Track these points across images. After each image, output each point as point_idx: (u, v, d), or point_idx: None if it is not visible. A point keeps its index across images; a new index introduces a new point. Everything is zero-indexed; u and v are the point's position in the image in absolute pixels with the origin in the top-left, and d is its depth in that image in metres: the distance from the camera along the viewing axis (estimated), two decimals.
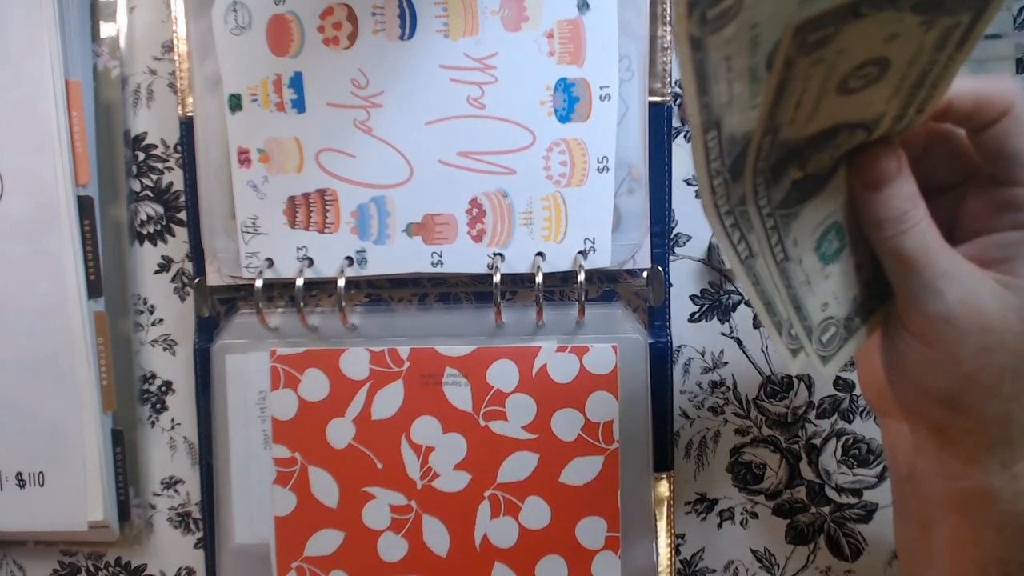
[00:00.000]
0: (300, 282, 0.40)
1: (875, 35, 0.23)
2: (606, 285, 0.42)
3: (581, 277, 0.39)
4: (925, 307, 0.26)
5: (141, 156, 0.44)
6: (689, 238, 0.43)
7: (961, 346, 0.26)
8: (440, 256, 0.40)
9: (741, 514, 0.43)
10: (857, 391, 0.43)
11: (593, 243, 0.40)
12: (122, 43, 0.43)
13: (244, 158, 0.41)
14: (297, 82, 0.40)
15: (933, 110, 0.26)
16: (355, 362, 0.41)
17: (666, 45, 0.40)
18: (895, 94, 0.26)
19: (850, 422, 0.43)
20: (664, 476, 0.42)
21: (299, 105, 0.40)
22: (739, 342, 0.43)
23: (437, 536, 0.41)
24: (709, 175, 0.25)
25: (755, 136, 0.25)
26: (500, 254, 0.40)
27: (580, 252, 0.40)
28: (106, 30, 0.43)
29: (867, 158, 0.27)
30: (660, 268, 0.41)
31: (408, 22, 0.39)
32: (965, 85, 0.27)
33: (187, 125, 0.42)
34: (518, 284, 0.42)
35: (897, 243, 0.27)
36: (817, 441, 0.43)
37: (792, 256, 0.28)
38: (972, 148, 0.28)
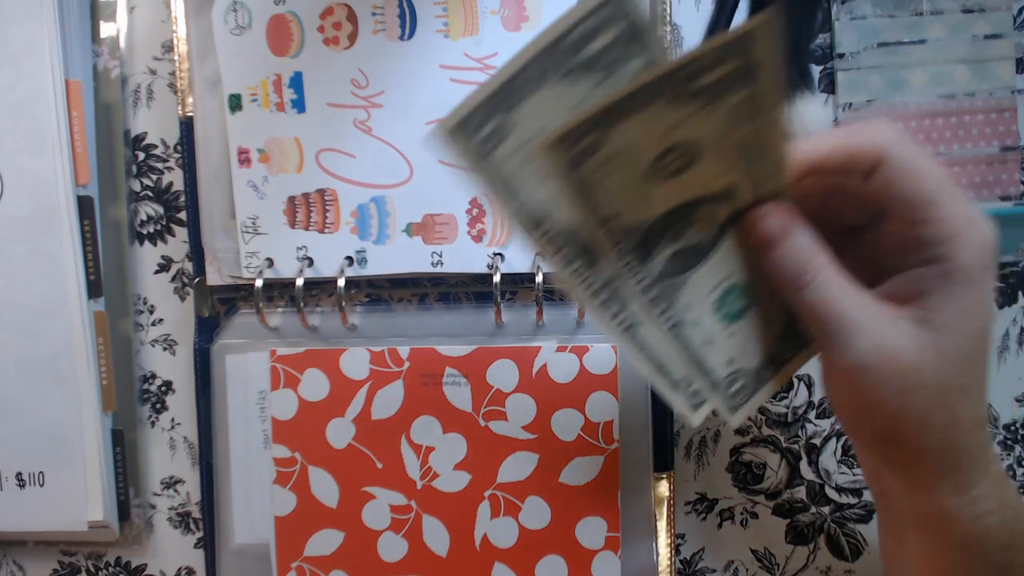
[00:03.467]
0: (300, 282, 0.40)
1: (651, 129, 0.24)
2: None
3: None
4: (839, 358, 0.27)
5: (141, 156, 0.44)
6: None
7: (881, 390, 0.26)
8: (440, 256, 0.40)
9: (741, 514, 0.43)
10: None
11: None
12: (122, 43, 0.43)
13: (244, 158, 0.41)
14: (297, 82, 0.40)
15: (791, 169, 0.27)
16: (355, 362, 0.41)
17: (666, 45, 0.40)
18: (729, 168, 0.26)
19: None
20: (664, 476, 0.42)
21: (299, 105, 0.40)
22: None
23: (437, 536, 0.41)
24: (563, 262, 0.26)
25: (588, 230, 0.25)
26: (500, 254, 0.40)
27: None
28: (106, 30, 0.43)
29: (750, 221, 0.28)
30: None
31: (408, 22, 0.39)
32: (833, 140, 0.27)
33: (187, 125, 0.42)
34: (518, 284, 0.42)
35: (799, 299, 0.27)
36: (817, 441, 0.43)
37: (686, 320, 0.29)
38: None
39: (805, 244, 0.27)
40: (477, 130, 0.23)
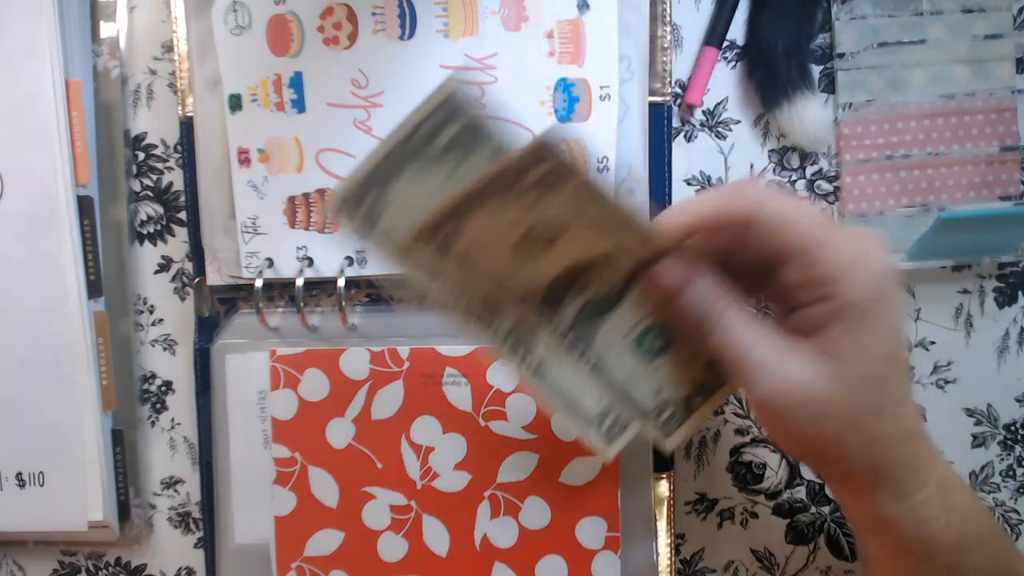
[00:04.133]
0: (300, 282, 0.40)
1: (501, 219, 0.27)
2: None
3: None
4: (749, 393, 0.29)
5: (141, 156, 0.44)
6: None
7: (790, 421, 0.28)
8: None
9: (741, 514, 0.43)
10: None
11: None
12: (122, 43, 0.43)
13: (244, 158, 0.41)
14: (297, 82, 0.40)
15: (660, 235, 0.29)
16: (355, 362, 0.41)
17: (666, 45, 0.40)
18: (598, 239, 0.29)
19: None
20: (664, 476, 0.42)
21: (299, 105, 0.40)
22: None
23: (437, 536, 0.41)
24: (465, 314, 0.30)
25: (484, 290, 0.29)
26: None
27: None
28: (106, 30, 0.43)
29: (650, 277, 0.30)
30: None
31: (408, 22, 0.39)
32: (706, 204, 0.29)
33: (187, 125, 0.42)
34: None
35: (707, 342, 0.29)
36: None
37: (607, 359, 0.31)
38: None
39: (705, 292, 0.29)
40: (359, 203, 0.28)
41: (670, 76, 0.41)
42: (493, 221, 0.27)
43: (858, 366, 0.27)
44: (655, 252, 0.30)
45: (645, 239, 0.29)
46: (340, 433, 0.41)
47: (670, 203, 0.41)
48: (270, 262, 0.41)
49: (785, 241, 0.28)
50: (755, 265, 0.30)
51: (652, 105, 0.40)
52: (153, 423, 0.45)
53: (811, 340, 0.28)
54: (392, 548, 0.41)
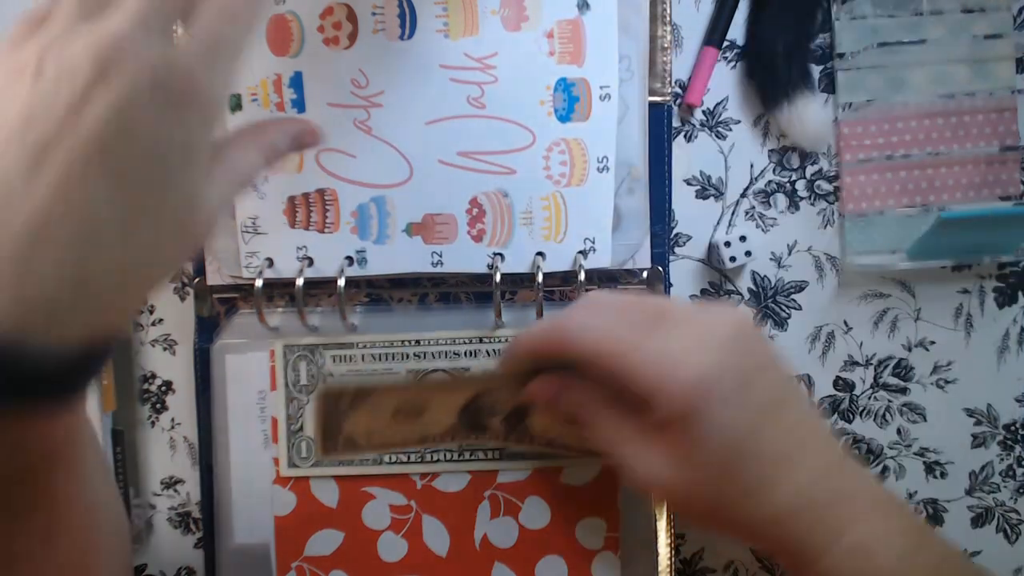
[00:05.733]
0: (300, 282, 0.40)
1: (387, 402, 0.38)
2: (606, 285, 0.42)
3: (581, 277, 0.39)
4: (628, 482, 0.32)
5: None
6: (689, 238, 0.43)
7: (669, 504, 0.36)
8: (440, 256, 0.40)
9: None
10: (857, 391, 0.43)
11: (593, 243, 0.40)
12: None
13: None
14: (297, 82, 0.40)
15: (503, 371, 0.37)
16: None
17: (666, 45, 0.40)
18: (458, 394, 0.38)
19: (850, 422, 0.43)
20: None
21: (299, 105, 0.40)
22: None
23: (437, 536, 0.41)
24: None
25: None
26: (500, 254, 0.40)
27: (580, 252, 0.40)
28: None
29: (527, 394, 0.35)
30: (660, 268, 0.41)
31: (408, 22, 0.39)
32: (536, 337, 0.34)
33: None
34: (518, 284, 0.42)
35: (589, 436, 0.34)
36: None
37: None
38: None
39: (576, 397, 0.33)
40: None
41: (670, 76, 0.41)
42: (369, 415, 0.39)
43: (698, 465, 0.30)
44: (516, 379, 0.35)
45: (492, 378, 0.37)
46: None
47: (670, 203, 0.41)
48: (270, 262, 0.41)
49: (601, 367, 0.30)
50: None
51: (652, 105, 0.40)
52: (153, 423, 0.45)
53: (664, 435, 0.30)
54: (392, 548, 0.41)
